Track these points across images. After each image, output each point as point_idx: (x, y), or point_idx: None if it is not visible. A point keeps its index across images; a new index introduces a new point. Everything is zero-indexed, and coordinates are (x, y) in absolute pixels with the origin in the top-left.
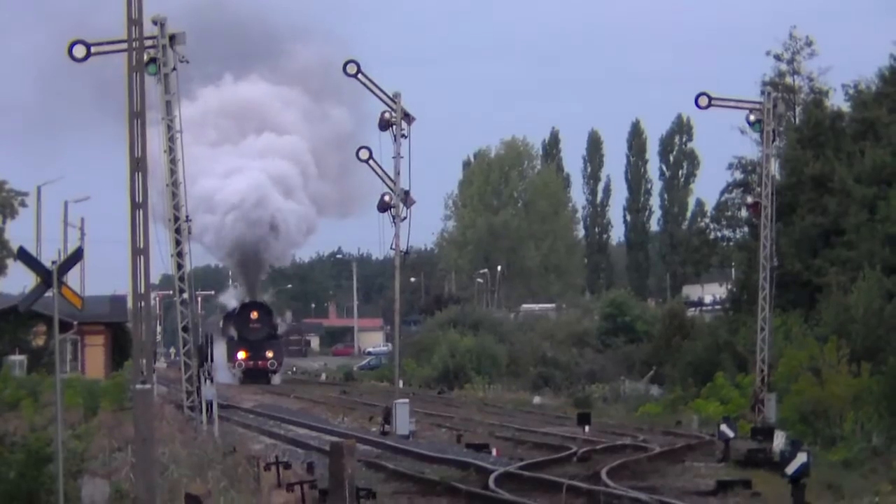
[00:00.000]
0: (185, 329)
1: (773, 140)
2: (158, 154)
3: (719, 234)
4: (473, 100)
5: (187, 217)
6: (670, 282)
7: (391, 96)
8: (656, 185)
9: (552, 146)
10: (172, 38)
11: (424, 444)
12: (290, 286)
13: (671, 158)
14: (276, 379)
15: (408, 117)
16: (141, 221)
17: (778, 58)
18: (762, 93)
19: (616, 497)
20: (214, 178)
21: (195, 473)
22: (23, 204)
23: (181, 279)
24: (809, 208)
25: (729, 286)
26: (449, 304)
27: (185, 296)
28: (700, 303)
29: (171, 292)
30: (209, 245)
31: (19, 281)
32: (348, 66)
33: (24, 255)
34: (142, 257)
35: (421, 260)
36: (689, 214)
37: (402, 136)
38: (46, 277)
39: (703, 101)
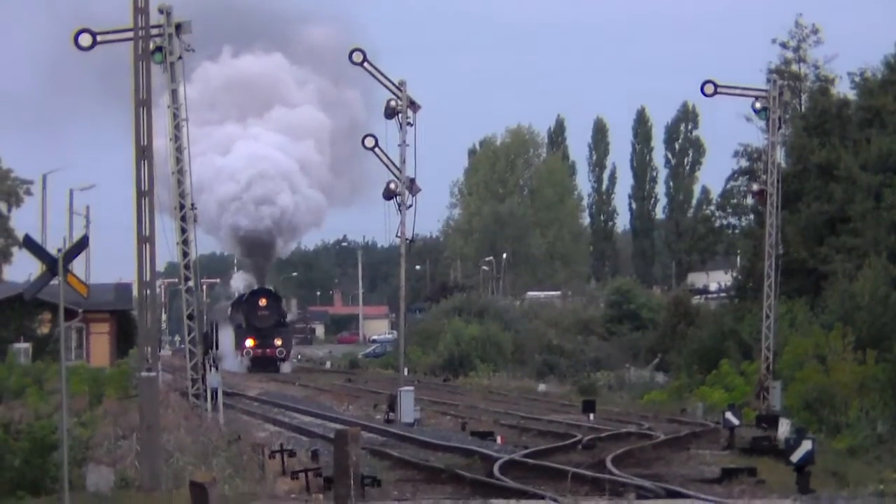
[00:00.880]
0: (190, 317)
1: (779, 128)
2: (164, 142)
3: (725, 222)
4: (479, 88)
5: (193, 205)
6: (675, 269)
7: (397, 84)
8: (662, 173)
9: (558, 134)
10: (178, 26)
11: (429, 431)
12: (295, 274)
13: (677, 146)
14: (285, 367)
15: (413, 105)
16: (147, 209)
17: (784, 45)
18: (768, 80)
19: (621, 485)
20: (223, 157)
21: (200, 461)
22: (28, 192)
23: (186, 267)
24: (815, 196)
25: (734, 274)
26: (454, 291)
27: (191, 284)
28: (705, 290)
29: (176, 280)
30: (220, 236)
31: (25, 269)
32: (354, 55)
33: (29, 243)
34: (147, 245)
35: (426, 248)
36: (694, 202)
37: (408, 124)
38: (52, 265)
39: (709, 88)
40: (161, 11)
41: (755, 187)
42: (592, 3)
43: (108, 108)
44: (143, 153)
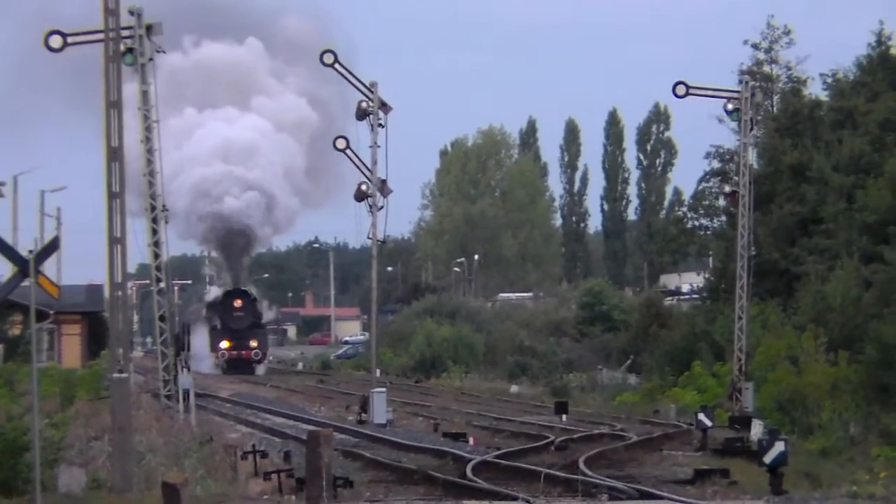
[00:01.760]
0: (161, 318)
1: (751, 129)
2: (134, 144)
3: (697, 223)
4: (451, 89)
5: (164, 207)
6: (647, 271)
7: (368, 86)
8: (634, 174)
9: (529, 135)
10: (149, 28)
11: (401, 432)
12: (266, 275)
13: (648, 147)
14: (260, 369)
15: (385, 107)
16: (118, 211)
17: (756, 46)
18: (740, 81)
19: (593, 486)
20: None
21: (172, 462)
22: None
23: (158, 268)
24: (787, 197)
25: (706, 275)
26: (426, 293)
27: (162, 285)
28: (677, 292)
29: (147, 282)
30: (192, 233)
31: None
32: (325, 56)
33: (0, 245)
34: (119, 246)
35: (398, 249)
36: (666, 203)
37: (380, 125)
38: (23, 267)
39: (681, 89)
40: (132, 13)
41: (727, 188)
42: (564, 5)
43: (78, 110)
44: (114, 154)
